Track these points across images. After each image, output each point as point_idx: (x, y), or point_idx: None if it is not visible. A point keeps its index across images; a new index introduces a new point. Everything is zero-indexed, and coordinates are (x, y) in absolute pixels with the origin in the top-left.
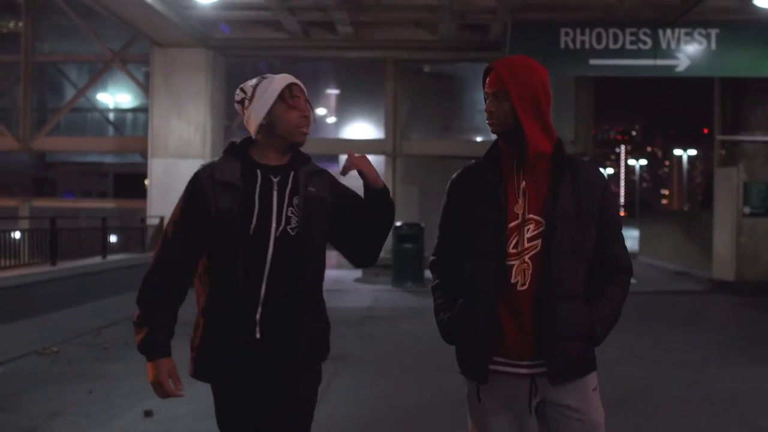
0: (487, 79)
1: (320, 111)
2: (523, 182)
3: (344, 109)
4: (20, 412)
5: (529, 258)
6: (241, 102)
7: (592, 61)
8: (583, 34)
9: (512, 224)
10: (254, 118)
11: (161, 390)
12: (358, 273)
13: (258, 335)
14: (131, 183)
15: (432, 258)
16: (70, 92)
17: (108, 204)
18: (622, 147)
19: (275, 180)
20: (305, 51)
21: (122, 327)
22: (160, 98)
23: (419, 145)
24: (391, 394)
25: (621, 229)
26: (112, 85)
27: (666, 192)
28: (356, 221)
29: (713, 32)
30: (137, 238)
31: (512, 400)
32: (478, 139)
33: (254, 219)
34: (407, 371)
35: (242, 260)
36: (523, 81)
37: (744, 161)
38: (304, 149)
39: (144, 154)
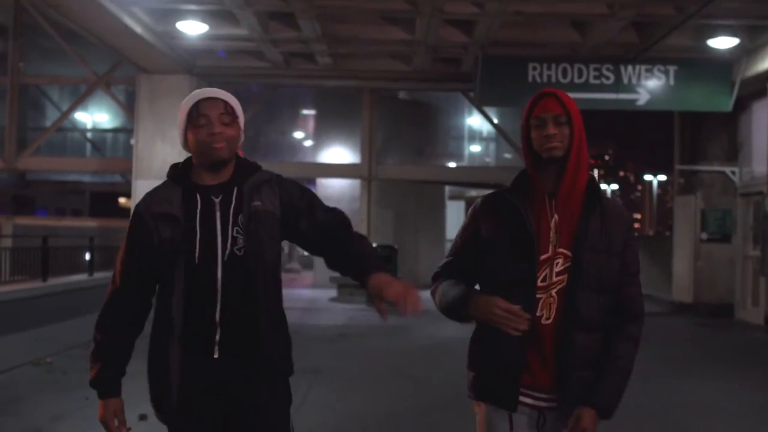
0: (541, 103)
1: (298, 135)
2: (555, 215)
3: (322, 133)
4: (23, 415)
5: (555, 292)
6: None
7: None
8: (549, 68)
9: (543, 257)
10: (179, 141)
11: (107, 429)
12: (333, 292)
13: (216, 355)
14: (107, 201)
15: (436, 271)
16: (50, 111)
17: (90, 223)
18: (596, 171)
19: (217, 200)
20: (286, 79)
21: None
22: (144, 122)
23: (394, 169)
24: (365, 405)
25: (639, 271)
26: (93, 105)
27: (638, 216)
28: (316, 240)
29: (671, 69)
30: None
31: (520, 426)
32: (451, 164)
33: (197, 246)
34: (380, 383)
35: (179, 288)
36: (578, 111)
37: (702, 190)
38: (281, 170)
39: (125, 174)
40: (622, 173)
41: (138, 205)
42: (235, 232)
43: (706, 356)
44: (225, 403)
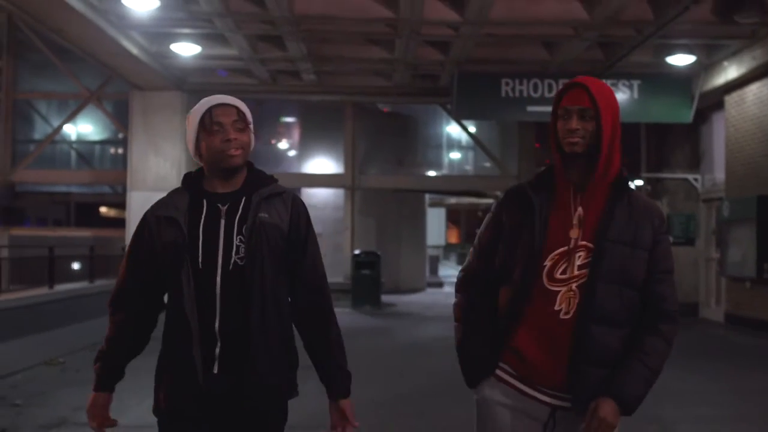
0: (568, 94)
1: (283, 146)
2: (580, 208)
3: (306, 145)
4: (48, 407)
5: (576, 286)
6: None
7: (530, 108)
8: (521, 84)
9: (561, 250)
10: (190, 150)
11: (90, 421)
12: None
13: (216, 370)
14: (93, 212)
15: (460, 275)
16: (39, 124)
17: (85, 233)
18: None
19: (223, 208)
20: (272, 95)
21: None
22: (138, 137)
23: (376, 179)
24: (355, 394)
25: (672, 270)
26: (80, 117)
27: None
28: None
29: (635, 83)
30: (118, 265)
31: (526, 424)
32: (431, 173)
33: (200, 251)
34: (366, 377)
35: (190, 294)
36: (612, 103)
37: (667, 196)
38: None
39: (117, 186)
40: None
41: (146, 212)
42: (238, 241)
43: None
44: (220, 415)
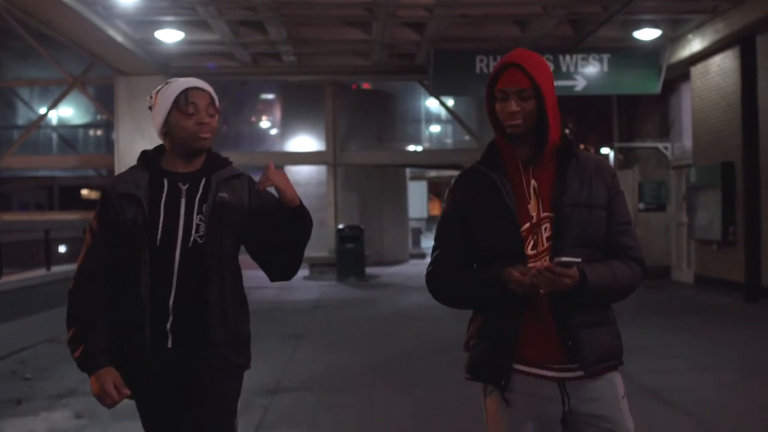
0: (505, 74)
1: (264, 124)
2: (533, 181)
3: (288, 124)
4: (56, 379)
5: (548, 258)
6: (150, 108)
7: None
8: (495, 60)
9: (526, 225)
10: (155, 126)
11: (109, 399)
12: (305, 272)
13: (170, 344)
14: (76, 195)
15: (429, 269)
16: (22, 110)
17: (74, 216)
18: None
19: (183, 187)
20: (254, 76)
21: None
22: (124, 121)
23: (357, 155)
24: (343, 359)
25: (630, 222)
26: (64, 102)
27: None
28: (273, 235)
29: (605, 57)
30: None
31: (540, 406)
32: (411, 148)
33: (159, 229)
34: (354, 343)
35: (146, 271)
36: (548, 77)
37: (638, 164)
38: (251, 160)
39: (104, 169)
40: (582, 146)
41: (106, 186)
42: (198, 219)
43: (642, 311)
44: (178, 389)
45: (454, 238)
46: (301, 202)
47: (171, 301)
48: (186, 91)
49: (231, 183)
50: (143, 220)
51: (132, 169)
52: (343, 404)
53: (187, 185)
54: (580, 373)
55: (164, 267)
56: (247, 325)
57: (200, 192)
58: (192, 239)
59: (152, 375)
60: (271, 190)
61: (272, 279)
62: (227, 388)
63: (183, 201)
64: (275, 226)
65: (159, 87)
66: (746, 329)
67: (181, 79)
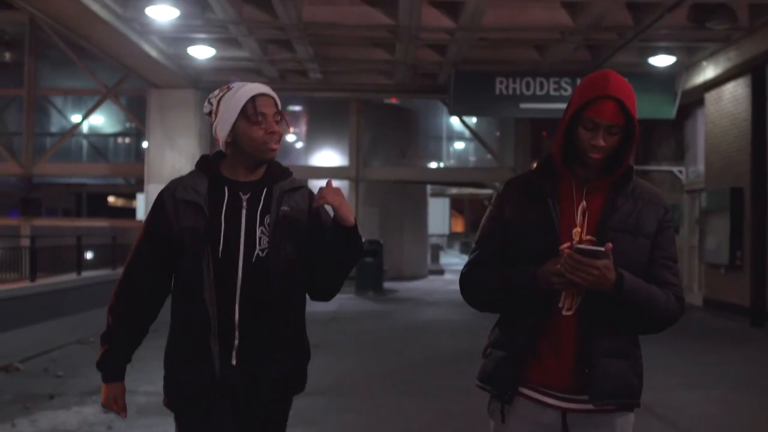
0: (599, 105)
1: (290, 138)
2: (584, 202)
3: (313, 138)
4: (87, 377)
5: None
6: (210, 114)
7: (522, 105)
8: (514, 82)
9: (567, 244)
10: (219, 134)
11: (112, 406)
12: None
13: (234, 361)
14: (104, 202)
15: (465, 269)
16: (56, 118)
17: (102, 223)
18: None
19: (245, 197)
20: (281, 92)
21: None
22: (155, 132)
23: (379, 171)
24: (356, 367)
25: (676, 260)
26: (96, 111)
27: None
28: (325, 254)
29: None
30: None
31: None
32: (432, 165)
33: (221, 240)
34: (369, 353)
35: (210, 283)
36: (635, 108)
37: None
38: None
39: (133, 178)
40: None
41: (162, 190)
42: (260, 232)
43: None
44: (235, 406)
45: (494, 243)
46: (355, 222)
47: (237, 317)
48: (254, 99)
49: (293, 195)
50: (205, 229)
51: (191, 174)
52: (352, 408)
53: (248, 195)
54: (586, 406)
55: (228, 280)
56: (306, 345)
57: (261, 203)
58: (255, 253)
59: (215, 390)
60: (327, 208)
61: (313, 298)
62: (282, 410)
63: (244, 212)
64: (327, 245)
65: (218, 93)
66: (747, 351)
67: (247, 85)
